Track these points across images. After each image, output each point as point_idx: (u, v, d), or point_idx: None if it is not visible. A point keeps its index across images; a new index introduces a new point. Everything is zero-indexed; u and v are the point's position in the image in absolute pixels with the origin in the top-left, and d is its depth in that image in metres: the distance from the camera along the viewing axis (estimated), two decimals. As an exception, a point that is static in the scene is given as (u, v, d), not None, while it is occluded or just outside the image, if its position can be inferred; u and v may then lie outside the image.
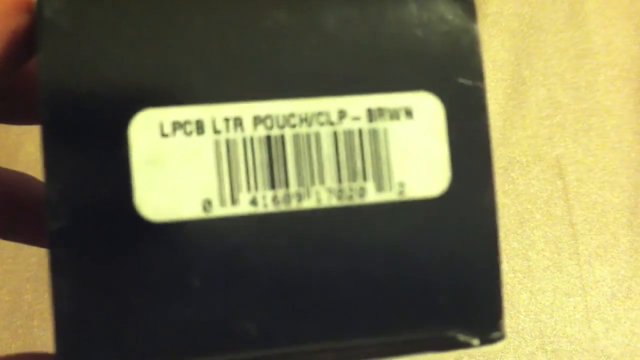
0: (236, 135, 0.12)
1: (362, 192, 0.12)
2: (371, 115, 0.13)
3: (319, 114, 0.13)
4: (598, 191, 0.34)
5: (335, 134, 0.13)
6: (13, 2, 0.12)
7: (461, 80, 0.13)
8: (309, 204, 0.12)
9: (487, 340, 0.13)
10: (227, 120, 0.12)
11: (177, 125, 0.12)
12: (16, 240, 0.20)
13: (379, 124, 0.13)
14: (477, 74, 0.13)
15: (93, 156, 0.12)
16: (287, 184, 0.12)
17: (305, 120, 0.12)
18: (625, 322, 0.32)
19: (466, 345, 0.13)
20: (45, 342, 0.25)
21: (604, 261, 0.33)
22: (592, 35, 0.35)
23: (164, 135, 0.12)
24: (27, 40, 0.13)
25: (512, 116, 0.34)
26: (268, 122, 0.12)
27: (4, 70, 0.13)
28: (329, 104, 0.13)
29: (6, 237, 0.19)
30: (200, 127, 0.12)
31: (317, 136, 0.12)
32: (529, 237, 0.33)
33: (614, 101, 0.35)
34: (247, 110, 0.12)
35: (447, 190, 0.13)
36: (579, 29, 0.36)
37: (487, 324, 0.13)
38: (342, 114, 0.13)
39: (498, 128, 0.34)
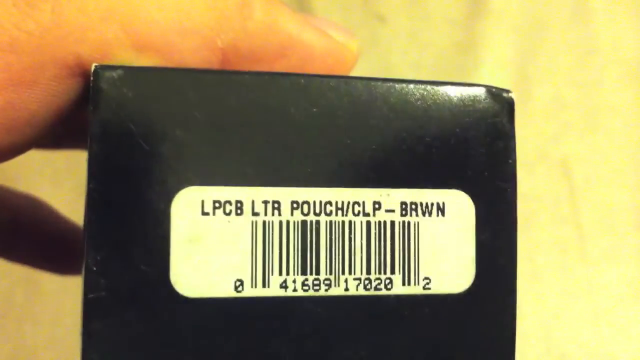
0: (273, 219, 0.13)
1: (389, 283, 0.13)
2: (405, 209, 0.13)
3: (355, 203, 0.13)
4: (605, 191, 0.33)
5: (368, 225, 0.13)
6: (67, 67, 0.12)
7: (494, 181, 0.13)
8: (336, 291, 0.13)
9: None
10: (266, 202, 0.13)
11: (217, 205, 0.12)
12: (13, 260, 0.20)
13: (412, 218, 0.13)
14: (510, 177, 0.13)
15: (134, 230, 0.12)
16: (317, 270, 0.13)
17: (341, 209, 0.13)
18: (634, 326, 0.31)
19: None
20: (37, 346, 0.25)
21: (611, 263, 0.32)
22: (598, 32, 0.34)
23: (204, 213, 0.12)
24: (82, 99, 0.13)
25: (516, 114, 0.34)
26: (305, 207, 0.13)
27: (57, 125, 0.13)
28: (366, 195, 0.13)
29: (2, 256, 0.20)
30: (239, 208, 0.12)
31: (351, 225, 0.13)
32: (535, 238, 0.32)
33: (622, 99, 0.34)
34: (286, 194, 0.13)
35: (470, 289, 0.13)
36: (585, 26, 0.34)
37: None
38: (377, 206, 0.13)
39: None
